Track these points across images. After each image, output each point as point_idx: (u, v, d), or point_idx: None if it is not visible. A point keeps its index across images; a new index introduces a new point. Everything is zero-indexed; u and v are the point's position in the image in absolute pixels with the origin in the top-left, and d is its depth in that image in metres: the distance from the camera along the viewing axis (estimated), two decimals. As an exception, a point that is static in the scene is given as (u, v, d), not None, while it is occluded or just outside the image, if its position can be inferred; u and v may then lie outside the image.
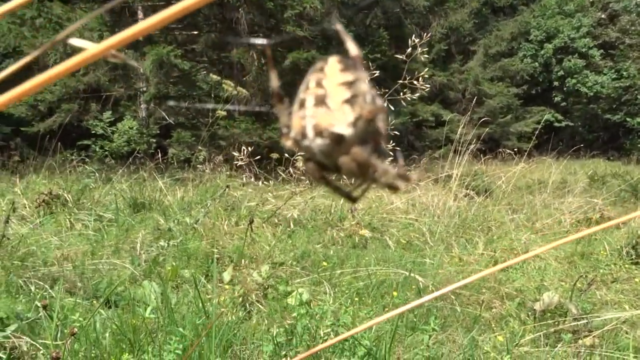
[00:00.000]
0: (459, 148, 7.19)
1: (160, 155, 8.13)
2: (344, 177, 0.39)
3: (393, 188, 0.39)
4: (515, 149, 10.32)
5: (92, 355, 2.22)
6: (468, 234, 5.54)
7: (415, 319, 3.03)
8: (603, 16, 20.65)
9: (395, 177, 0.38)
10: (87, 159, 8.44)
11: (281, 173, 6.75)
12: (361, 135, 0.36)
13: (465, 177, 7.69)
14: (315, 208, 5.50)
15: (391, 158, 0.43)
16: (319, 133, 0.36)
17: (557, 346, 2.62)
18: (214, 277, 3.11)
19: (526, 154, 8.44)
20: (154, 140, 9.84)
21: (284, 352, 2.20)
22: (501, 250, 4.89)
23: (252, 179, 7.59)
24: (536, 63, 19.58)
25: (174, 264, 3.59)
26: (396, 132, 5.33)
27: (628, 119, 18.88)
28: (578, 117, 20.02)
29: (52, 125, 9.89)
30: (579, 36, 19.50)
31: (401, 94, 3.43)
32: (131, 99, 10.66)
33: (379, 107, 0.37)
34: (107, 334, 2.37)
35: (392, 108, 3.28)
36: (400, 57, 3.88)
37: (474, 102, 10.36)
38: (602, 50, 19.94)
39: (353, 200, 0.42)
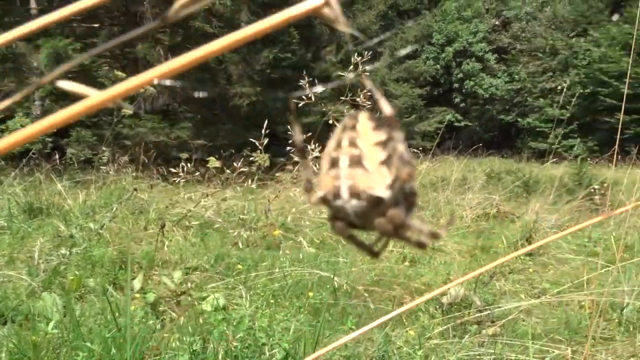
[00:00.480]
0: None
1: (57, 155, 7.61)
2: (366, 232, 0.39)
3: (421, 245, 0.39)
4: (420, 148, 10.79)
5: (-13, 378, 2.04)
6: (378, 231, 5.70)
7: (330, 319, 3.07)
8: (497, 23, 22.14)
9: (426, 236, 0.38)
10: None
11: (191, 174, 6.57)
12: (397, 196, 0.36)
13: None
14: (228, 209, 5.41)
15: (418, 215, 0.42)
16: (355, 194, 0.36)
17: (464, 337, 2.77)
18: (125, 285, 2.96)
19: (431, 152, 8.85)
20: (50, 140, 9.20)
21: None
22: (410, 247, 5.08)
23: (160, 180, 7.34)
24: (438, 65, 20.60)
25: (77, 273, 3.38)
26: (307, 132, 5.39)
27: (519, 120, 20.40)
28: (475, 117, 21.31)
29: None
30: (476, 41, 20.77)
31: (345, 110, 3.49)
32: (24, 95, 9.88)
33: (414, 168, 0.37)
34: (2, 354, 2.18)
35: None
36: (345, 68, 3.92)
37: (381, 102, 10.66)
38: (496, 55, 21.38)
39: (375, 255, 0.42)
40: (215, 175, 6.49)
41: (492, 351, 2.54)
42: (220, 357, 2.14)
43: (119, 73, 7.68)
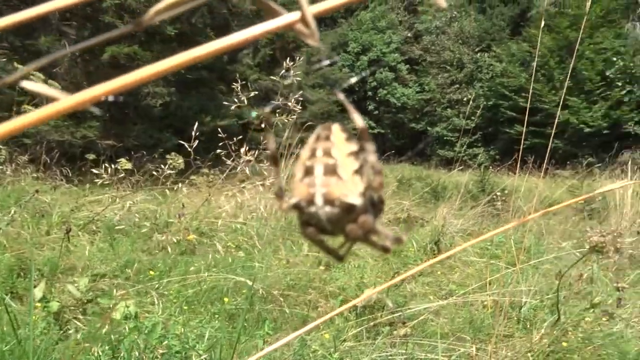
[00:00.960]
0: (285, 152, 7.41)
1: None
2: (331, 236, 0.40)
3: (386, 250, 0.41)
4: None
5: None
6: (294, 235, 5.73)
7: (246, 325, 3.05)
8: (409, 35, 23.05)
9: (390, 240, 0.40)
10: None
11: (98, 175, 6.25)
12: (367, 203, 0.38)
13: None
14: (139, 213, 5.20)
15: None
16: (329, 201, 0.37)
17: (377, 339, 2.85)
18: (25, 294, 2.76)
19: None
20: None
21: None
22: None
23: (64, 182, 6.92)
24: (353, 73, 21.10)
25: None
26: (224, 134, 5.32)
27: (429, 128, 21.34)
28: (388, 125, 22.02)
29: None
30: (389, 51, 21.50)
31: (276, 114, 3.46)
32: None
33: (383, 177, 0.39)
34: None
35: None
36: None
37: (298, 107, 10.75)
38: (408, 65, 22.24)
39: (340, 259, 0.43)
40: (125, 178, 6.22)
41: (404, 351, 2.64)
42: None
43: (19, 65, 7.16)
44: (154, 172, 5.77)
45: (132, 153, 7.95)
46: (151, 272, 3.68)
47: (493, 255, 5.45)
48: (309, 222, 0.40)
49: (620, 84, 18.41)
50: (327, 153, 0.39)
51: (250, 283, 3.55)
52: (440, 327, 3.30)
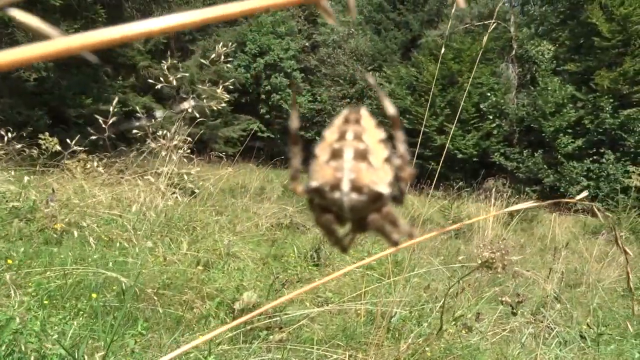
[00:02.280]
0: (169, 145, 7.14)
1: None
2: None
3: (396, 243, 0.38)
4: (223, 153, 10.79)
5: None
6: (173, 233, 5.52)
7: (113, 322, 2.85)
8: (307, 44, 23.41)
9: (405, 234, 0.38)
10: None
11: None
12: (392, 194, 0.36)
13: (173, 176, 7.67)
14: (-1, 195, 4.70)
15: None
16: (356, 188, 0.34)
17: (253, 343, 2.81)
18: None
19: (234, 159, 8.91)
20: None
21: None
22: (204, 250, 5.03)
23: None
24: (248, 74, 20.93)
25: None
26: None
27: (317, 138, 21.78)
28: (278, 130, 22.11)
29: None
30: (287, 57, 21.65)
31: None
32: None
33: (412, 169, 0.37)
34: None
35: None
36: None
37: (190, 100, 10.44)
38: (303, 74, 22.54)
39: (345, 250, 0.41)
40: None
41: (279, 356, 2.63)
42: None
43: None
44: (23, 152, 5.26)
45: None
46: (9, 261, 3.32)
47: (369, 267, 5.66)
48: (327, 208, 0.37)
49: (491, 117, 20.18)
50: (358, 137, 0.37)
51: (122, 279, 3.34)
52: (315, 334, 3.34)
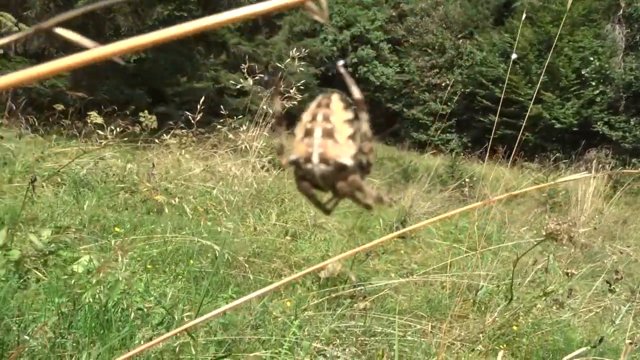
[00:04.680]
0: (260, 120, 7.37)
1: None
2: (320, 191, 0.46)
3: (368, 206, 0.45)
4: (310, 127, 10.94)
5: None
6: (263, 204, 5.74)
7: (209, 287, 3.06)
8: (394, 14, 22.91)
9: (373, 199, 0.45)
10: None
11: (66, 127, 6.11)
12: (358, 164, 0.43)
13: (263, 150, 7.92)
14: (107, 169, 5.12)
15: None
16: (324, 160, 0.42)
17: (337, 310, 2.90)
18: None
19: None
20: None
21: (69, 323, 2.04)
22: (292, 222, 5.19)
23: (29, 131, 6.73)
24: (335, 47, 20.92)
25: None
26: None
27: (405, 110, 21.42)
28: (365, 103, 21.99)
29: None
30: (373, 28, 21.36)
31: (279, 98, 3.43)
32: None
33: (372, 144, 0.44)
34: None
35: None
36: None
37: (280, 76, 10.67)
38: (390, 45, 22.15)
39: (327, 212, 0.48)
40: (93, 132, 6.09)
41: (362, 324, 2.70)
42: (91, 320, 2.05)
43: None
44: (127, 129, 5.66)
45: (102, 107, 7.76)
46: (117, 229, 3.64)
47: (456, 240, 5.57)
48: (305, 177, 0.44)
49: (594, 83, 18.77)
50: (327, 119, 0.44)
51: (215, 247, 3.56)
52: (399, 304, 3.38)
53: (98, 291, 2.28)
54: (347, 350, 2.40)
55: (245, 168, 6.83)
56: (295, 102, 4.48)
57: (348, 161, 0.43)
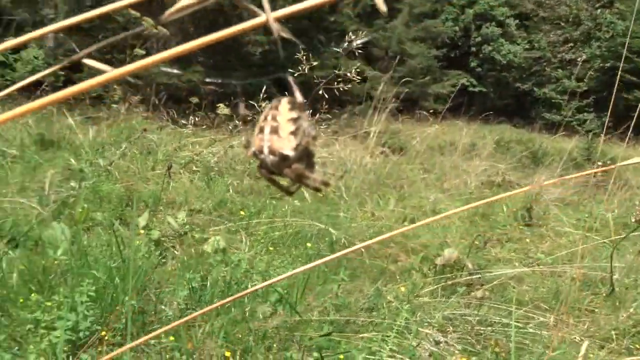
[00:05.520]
0: (379, 105, 7.38)
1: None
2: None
3: (317, 189, 0.56)
4: (432, 110, 10.73)
5: (-3, 296, 2.16)
6: (381, 190, 5.77)
7: (326, 270, 3.18)
8: (522, -12, 21.46)
9: (319, 183, 0.55)
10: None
11: (200, 118, 6.60)
12: (300, 155, 0.53)
13: (382, 135, 7.94)
14: (235, 157, 5.47)
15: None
16: (272, 152, 0.52)
17: (451, 297, 2.87)
18: (131, 221, 3.06)
19: (441, 116, 8.81)
20: (63, 73, 9.19)
21: (198, 297, 2.26)
22: (411, 208, 5.17)
23: (170, 123, 7.38)
24: (457, 27, 20.14)
25: (85, 206, 3.48)
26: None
27: (535, 89, 20.08)
28: (491, 83, 20.97)
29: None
30: (498, 4, 20.21)
31: (335, 83, 3.53)
32: (37, 26, 9.81)
33: (312, 137, 0.54)
34: (14, 274, 2.30)
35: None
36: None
37: (397, 60, 10.59)
38: (517, 21, 20.82)
39: (290, 194, 0.59)
40: (224, 122, 6.52)
41: (477, 312, 2.65)
42: (217, 294, 2.25)
43: (132, 11, 7.57)
44: (254, 118, 5.99)
45: (232, 99, 8.28)
46: (242, 212, 3.90)
47: (589, 228, 5.18)
48: (262, 166, 0.54)
49: None
50: (274, 118, 0.53)
51: (333, 231, 3.68)
52: (520, 295, 3.24)
53: (224, 269, 2.49)
54: (460, 338, 2.37)
55: (365, 154, 6.90)
56: (349, 86, 4.47)
57: (289, 152, 0.52)
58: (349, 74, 3.47)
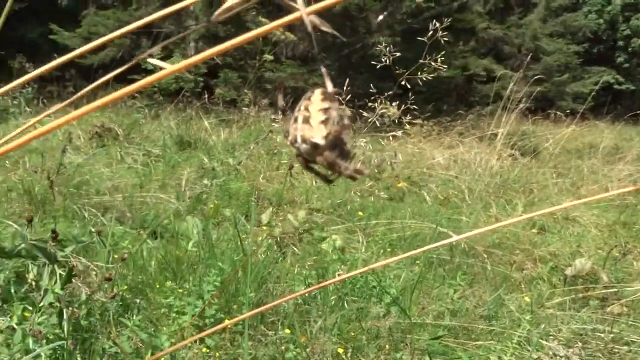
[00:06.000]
0: (508, 105, 7.02)
1: (207, 95, 8.25)
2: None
3: (352, 178, 0.57)
4: (569, 111, 9.97)
5: (139, 280, 2.40)
6: (508, 194, 5.49)
7: (444, 274, 3.10)
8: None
9: (352, 172, 0.56)
10: (136, 94, 8.67)
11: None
12: (331, 143, 0.54)
13: (511, 136, 7.54)
14: (355, 158, 5.54)
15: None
16: (304, 140, 0.54)
17: (581, 311, 2.65)
18: (252, 217, 3.24)
19: (579, 116, 8.16)
20: (202, 80, 9.96)
21: (314, 293, 2.32)
22: (541, 214, 4.86)
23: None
24: (601, 20, 18.48)
25: (216, 202, 3.74)
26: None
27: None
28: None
29: (104, 59, 10.13)
30: (652, -8, 18.21)
31: (419, 73, 3.40)
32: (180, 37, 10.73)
33: (343, 127, 0.55)
34: (152, 262, 2.55)
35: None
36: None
37: (529, 58, 9.99)
38: (677, 9, 18.59)
39: (329, 182, 0.61)
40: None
41: (611, 329, 2.41)
42: (331, 292, 2.30)
43: (263, 19, 8.00)
44: (374, 120, 6.02)
45: (356, 101, 8.38)
46: (360, 213, 3.94)
47: None
48: (298, 154, 0.56)
49: None
50: (306, 108, 0.55)
51: (453, 235, 3.57)
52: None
53: (340, 268, 2.54)
54: (590, 355, 2.18)
55: (491, 156, 6.61)
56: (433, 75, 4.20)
57: (319, 141, 0.53)
58: (433, 63, 3.31)
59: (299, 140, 0.55)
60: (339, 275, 2.44)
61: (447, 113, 10.74)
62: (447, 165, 6.22)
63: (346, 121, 0.56)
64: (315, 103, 0.56)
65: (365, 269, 0.86)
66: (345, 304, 2.31)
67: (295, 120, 0.56)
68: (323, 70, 0.57)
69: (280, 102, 0.63)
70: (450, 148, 7.22)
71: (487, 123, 8.48)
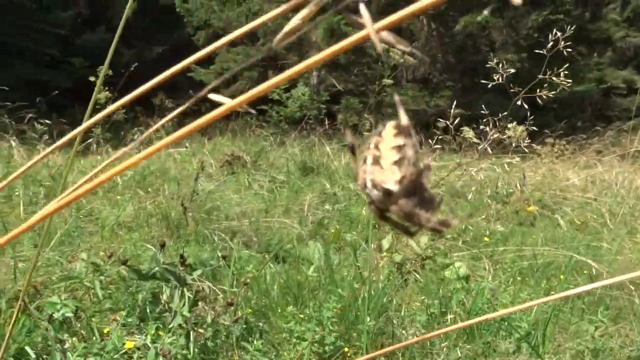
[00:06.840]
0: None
1: (329, 121, 8.46)
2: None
3: (437, 231, 0.46)
4: None
5: (262, 303, 2.48)
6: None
7: (584, 306, 2.83)
8: None
9: (436, 224, 0.45)
10: (264, 124, 9.15)
11: (447, 143, 6.59)
12: (408, 189, 0.45)
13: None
14: (481, 181, 5.31)
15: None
16: (374, 186, 0.45)
17: None
18: (377, 243, 3.22)
19: None
20: (324, 107, 10.25)
21: (436, 324, 2.23)
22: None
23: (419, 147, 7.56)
24: None
25: (337, 227, 3.79)
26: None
27: None
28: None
29: (235, 91, 10.84)
30: None
31: (538, 90, 3.08)
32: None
33: (421, 168, 0.46)
34: (275, 286, 2.62)
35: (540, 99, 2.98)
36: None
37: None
38: None
39: (410, 234, 0.49)
40: (471, 145, 6.40)
41: None
42: (455, 322, 2.19)
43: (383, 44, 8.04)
44: (501, 141, 5.76)
45: (480, 121, 8.08)
46: (486, 239, 3.75)
47: None
48: (371, 202, 0.47)
49: None
50: (376, 146, 0.46)
51: (592, 263, 3.26)
52: None
53: (464, 297, 2.42)
54: None
55: (636, 175, 5.98)
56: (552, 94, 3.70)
57: (392, 186, 0.44)
58: (555, 78, 2.95)
59: (369, 185, 0.46)
60: (461, 304, 2.32)
61: (582, 130, 9.96)
62: (583, 186, 5.72)
63: (426, 161, 0.47)
64: (387, 139, 0.46)
65: (514, 309, 0.74)
66: (474, 338, 2.19)
67: (364, 161, 0.47)
68: (396, 98, 0.51)
69: (349, 138, 0.56)
70: (586, 168, 6.66)
71: (629, 139, 7.72)
